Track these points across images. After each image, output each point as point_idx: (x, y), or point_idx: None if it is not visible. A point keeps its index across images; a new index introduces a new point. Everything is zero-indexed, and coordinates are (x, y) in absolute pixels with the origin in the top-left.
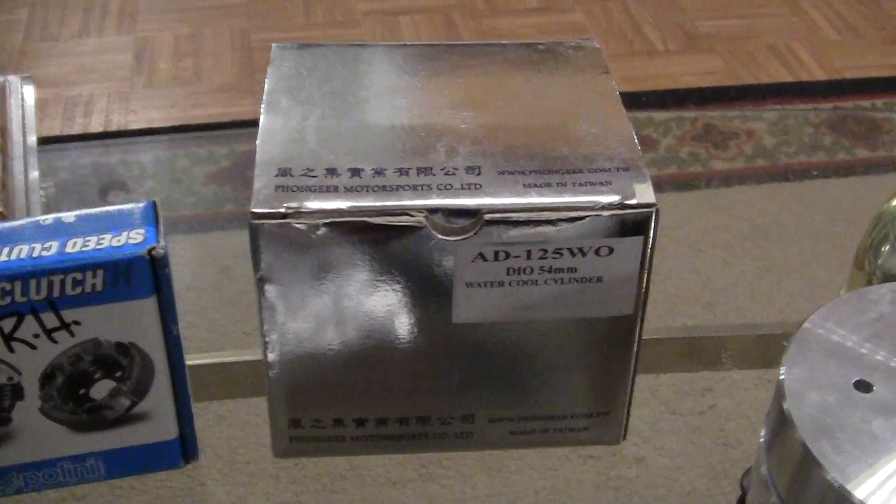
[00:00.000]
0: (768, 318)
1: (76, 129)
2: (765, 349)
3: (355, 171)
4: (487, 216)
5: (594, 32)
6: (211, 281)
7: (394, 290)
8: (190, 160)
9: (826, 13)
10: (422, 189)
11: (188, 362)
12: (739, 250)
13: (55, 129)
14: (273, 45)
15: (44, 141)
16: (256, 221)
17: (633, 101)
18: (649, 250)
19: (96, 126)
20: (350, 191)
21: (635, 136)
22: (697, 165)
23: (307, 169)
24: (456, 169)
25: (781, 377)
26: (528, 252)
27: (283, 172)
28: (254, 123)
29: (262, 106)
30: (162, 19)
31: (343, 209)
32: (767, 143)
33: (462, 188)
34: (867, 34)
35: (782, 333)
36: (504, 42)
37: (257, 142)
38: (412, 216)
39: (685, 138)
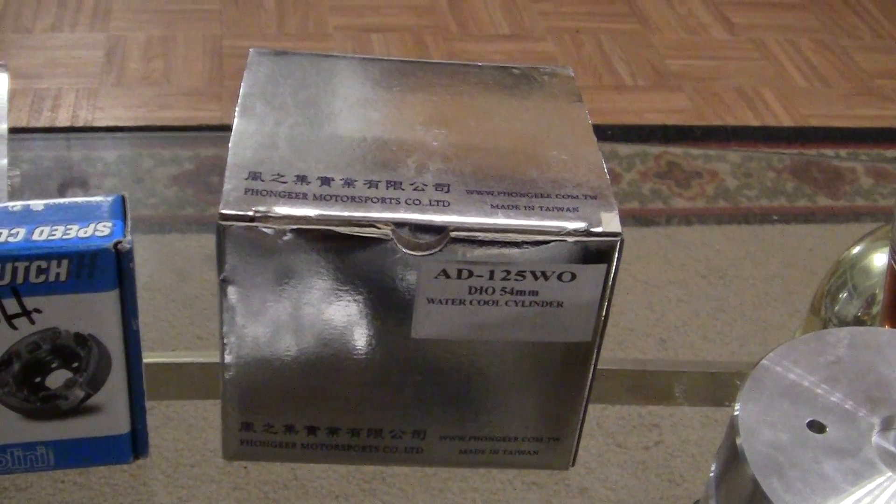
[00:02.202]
0: (720, 358)
1: (42, 122)
2: (714, 387)
3: (325, 180)
4: (453, 234)
5: (564, 63)
6: (166, 282)
7: (355, 300)
8: (154, 161)
9: (796, 60)
10: (390, 202)
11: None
12: (695, 289)
13: (22, 121)
14: (251, 49)
15: (9, 131)
16: (224, 223)
17: (598, 133)
18: (611, 279)
19: (63, 121)
20: (319, 199)
21: (604, 166)
22: (659, 202)
23: (277, 174)
24: (425, 185)
25: (736, 412)
26: (492, 272)
27: (254, 176)
28: (220, 129)
29: (237, 109)
30: (135, 19)
31: (311, 217)
32: (730, 184)
33: (430, 204)
34: (835, 84)
35: (732, 373)
36: (479, 63)
37: (230, 144)
38: (379, 228)
39: (648, 174)
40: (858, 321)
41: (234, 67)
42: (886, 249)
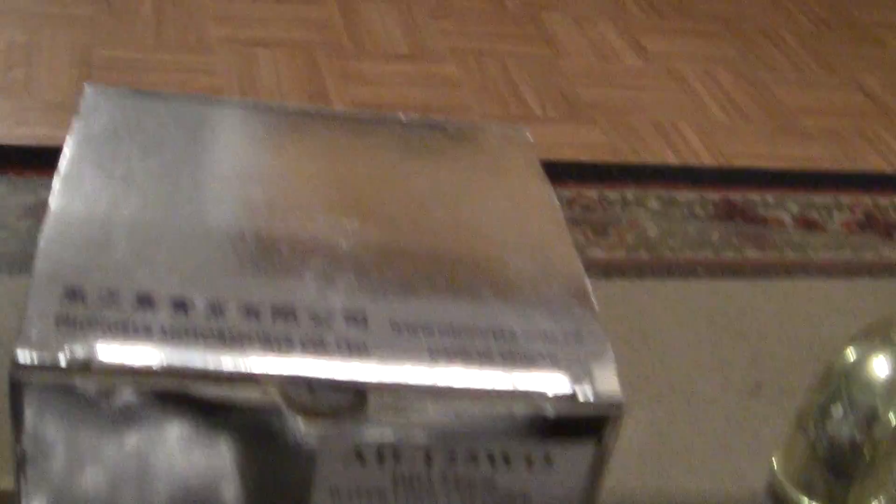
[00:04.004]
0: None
1: None
2: None
3: (180, 304)
4: (374, 397)
5: (468, 88)
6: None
7: (224, 491)
8: (5, 188)
9: (714, 93)
10: (277, 343)
11: None
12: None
13: None
14: (85, 85)
15: None
16: (21, 375)
17: None
18: (604, 464)
19: None
20: (170, 335)
21: (588, 282)
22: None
23: (109, 292)
24: (331, 313)
25: None
26: (428, 455)
27: (72, 295)
28: None
29: (56, 181)
30: None
31: (156, 367)
32: (651, 232)
33: (338, 347)
34: (757, 120)
35: None
36: (402, 117)
37: (39, 240)
38: (260, 386)
39: None
40: (855, 444)
41: (104, 80)
42: (887, 352)
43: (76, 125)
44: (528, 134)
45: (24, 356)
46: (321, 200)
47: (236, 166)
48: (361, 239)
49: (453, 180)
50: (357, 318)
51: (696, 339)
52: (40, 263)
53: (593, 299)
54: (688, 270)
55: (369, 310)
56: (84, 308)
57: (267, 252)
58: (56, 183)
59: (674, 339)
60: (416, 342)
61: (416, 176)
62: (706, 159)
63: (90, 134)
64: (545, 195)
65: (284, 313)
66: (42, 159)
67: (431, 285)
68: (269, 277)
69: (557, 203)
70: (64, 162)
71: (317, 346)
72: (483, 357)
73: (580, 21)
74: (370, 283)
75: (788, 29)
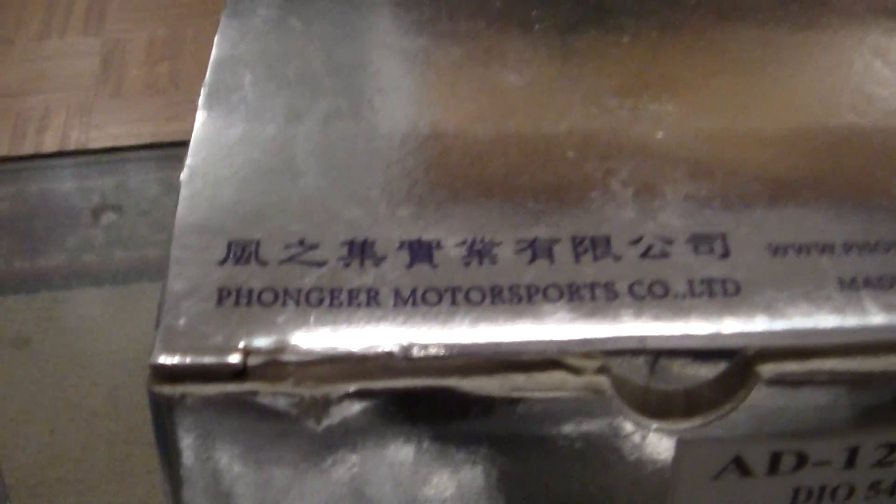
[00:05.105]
0: None
1: (27, 149)
2: None
3: (422, 249)
4: (763, 366)
5: None
6: None
7: None
8: (161, 187)
9: None
10: (591, 294)
11: None
12: None
13: (2, 149)
14: None
15: None
16: (165, 389)
17: None
18: None
19: (51, 145)
20: (411, 301)
21: None
22: None
23: (301, 244)
24: (669, 240)
25: None
26: (853, 452)
27: (242, 252)
28: None
29: (204, 90)
30: (135, 18)
31: (396, 352)
32: None
33: (691, 293)
34: None
35: None
36: None
37: (182, 176)
38: (576, 371)
39: None
40: None
41: None
42: None
43: (225, 21)
44: None
45: (170, 356)
46: (603, 81)
47: (472, 48)
48: (685, 127)
49: (793, 40)
50: (711, 244)
51: None
52: (185, 208)
53: None
54: None
55: (728, 229)
56: (263, 272)
57: (539, 155)
58: (204, 91)
59: None
60: (813, 269)
61: (734, 40)
62: None
63: (248, 29)
64: None
65: (592, 247)
66: None
67: (811, 183)
68: (552, 194)
69: None
70: (213, 65)
71: (655, 293)
72: None
73: None
74: (718, 189)
75: None
